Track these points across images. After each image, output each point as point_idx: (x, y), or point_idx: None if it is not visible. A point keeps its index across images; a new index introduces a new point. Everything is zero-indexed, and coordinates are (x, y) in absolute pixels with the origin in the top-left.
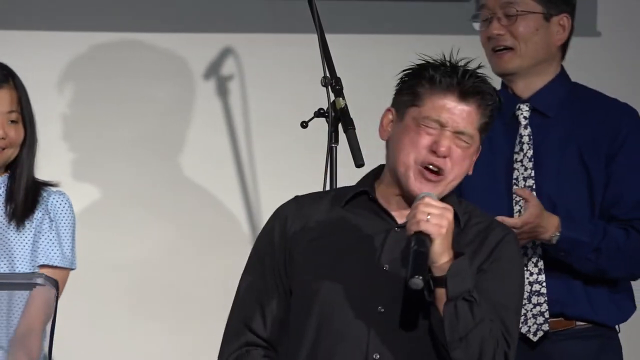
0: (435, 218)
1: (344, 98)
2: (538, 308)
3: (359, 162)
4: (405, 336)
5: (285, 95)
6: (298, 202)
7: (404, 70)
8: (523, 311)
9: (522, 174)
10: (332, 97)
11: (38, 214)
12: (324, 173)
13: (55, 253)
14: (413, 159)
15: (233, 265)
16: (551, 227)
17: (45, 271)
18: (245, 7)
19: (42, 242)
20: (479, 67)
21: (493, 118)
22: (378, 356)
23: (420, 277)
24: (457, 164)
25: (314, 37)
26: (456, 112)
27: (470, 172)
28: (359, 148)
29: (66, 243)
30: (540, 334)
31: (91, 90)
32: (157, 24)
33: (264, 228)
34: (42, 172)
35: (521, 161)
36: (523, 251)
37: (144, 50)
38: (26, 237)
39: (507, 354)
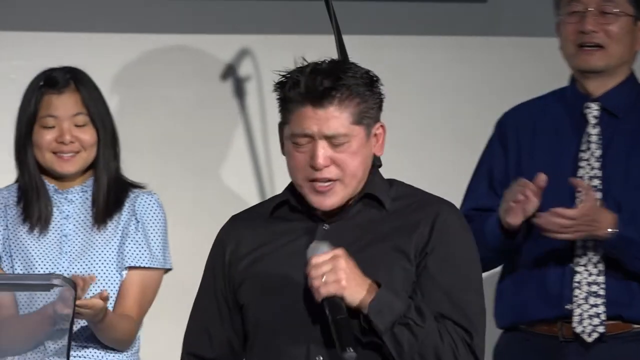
0: (329, 276)
1: None
2: (594, 309)
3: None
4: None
5: None
6: (233, 222)
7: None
8: (579, 311)
9: (588, 173)
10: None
11: (124, 216)
12: None
13: (143, 254)
14: (301, 179)
15: None
16: (606, 223)
17: (134, 272)
18: (263, 8)
19: (128, 244)
20: (329, 62)
21: (370, 99)
22: (321, 358)
23: (351, 349)
24: (346, 163)
25: (331, 38)
26: (318, 119)
27: (380, 153)
28: None
29: (155, 243)
30: (595, 335)
31: (108, 91)
32: (174, 25)
33: (209, 253)
34: None
35: (587, 160)
36: (582, 251)
37: (161, 52)
38: (112, 240)
39: (470, 345)
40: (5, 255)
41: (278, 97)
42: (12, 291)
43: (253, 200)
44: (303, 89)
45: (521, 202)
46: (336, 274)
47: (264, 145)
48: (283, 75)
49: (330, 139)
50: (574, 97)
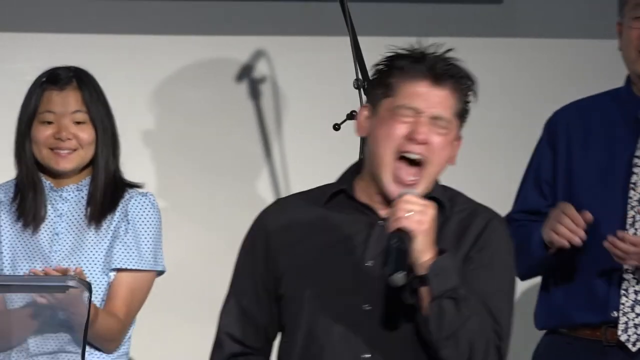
0: (416, 215)
1: None
2: None
3: None
4: (394, 333)
5: (318, 97)
6: (279, 205)
7: (375, 65)
8: (625, 319)
9: None
10: (364, 100)
11: (117, 217)
12: None
13: (131, 256)
14: (390, 151)
15: None
16: None
17: (122, 274)
18: (278, 9)
19: (117, 245)
20: (448, 51)
21: (469, 103)
22: (368, 356)
23: (401, 273)
24: (437, 152)
25: (346, 40)
26: (430, 97)
27: (453, 163)
28: None
29: (145, 245)
30: (639, 345)
31: (124, 92)
32: (190, 26)
33: (246, 235)
34: None
35: None
36: None
37: (176, 53)
38: (103, 240)
39: (499, 348)
40: None
41: (390, 67)
42: (27, 292)
43: (268, 201)
44: (427, 65)
45: (563, 235)
46: (422, 216)
47: (279, 147)
48: (403, 50)
49: (434, 119)
50: (629, 100)
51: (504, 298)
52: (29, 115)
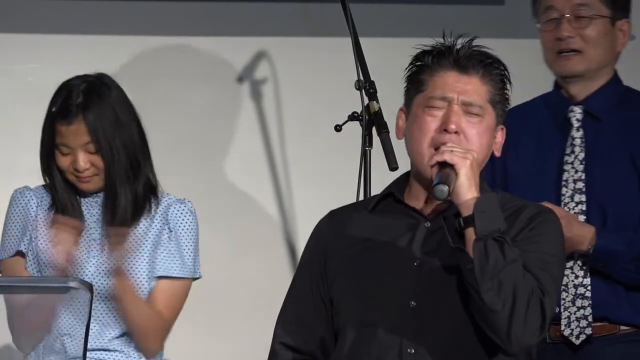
0: (460, 152)
1: (377, 101)
2: (582, 312)
3: (392, 166)
4: (439, 329)
5: (319, 98)
6: (331, 215)
7: (405, 69)
8: (567, 314)
9: (572, 176)
10: (366, 101)
11: (157, 225)
12: (358, 176)
13: (174, 264)
14: (426, 145)
15: (266, 269)
16: (584, 238)
17: (164, 282)
18: (279, 10)
19: (161, 253)
20: (473, 39)
21: (504, 89)
22: (412, 351)
23: (445, 187)
24: (473, 140)
25: (347, 41)
26: (459, 85)
27: (498, 154)
28: (393, 151)
29: (187, 252)
30: (582, 337)
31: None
32: (191, 27)
33: (306, 245)
34: None
35: (572, 163)
36: (568, 254)
37: (178, 54)
38: (142, 246)
39: (543, 302)
40: (32, 255)
41: (415, 65)
42: (28, 294)
43: (269, 204)
44: (453, 55)
45: None
46: (466, 153)
47: (280, 148)
48: (427, 47)
49: (466, 106)
50: (558, 101)
51: (548, 266)
52: (49, 145)
